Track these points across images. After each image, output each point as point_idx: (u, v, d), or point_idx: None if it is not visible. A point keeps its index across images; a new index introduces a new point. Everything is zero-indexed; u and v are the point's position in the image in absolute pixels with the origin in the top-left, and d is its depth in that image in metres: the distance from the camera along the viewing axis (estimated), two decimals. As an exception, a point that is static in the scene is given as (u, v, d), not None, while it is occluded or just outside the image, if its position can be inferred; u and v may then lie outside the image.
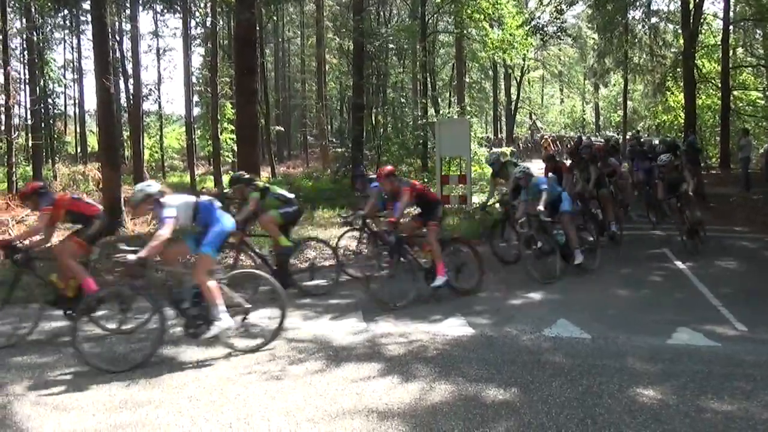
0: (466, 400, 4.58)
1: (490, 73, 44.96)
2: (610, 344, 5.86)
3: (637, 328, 6.33)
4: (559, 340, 6.00)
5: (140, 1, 21.27)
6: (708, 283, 8.30)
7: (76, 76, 39.43)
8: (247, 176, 8.51)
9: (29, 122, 27.69)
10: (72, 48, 39.93)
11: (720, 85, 25.56)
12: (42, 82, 30.57)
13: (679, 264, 9.54)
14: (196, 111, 33.29)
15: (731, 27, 26.77)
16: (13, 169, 21.26)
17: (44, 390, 4.95)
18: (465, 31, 26.24)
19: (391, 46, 26.48)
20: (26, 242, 6.98)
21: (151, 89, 35.20)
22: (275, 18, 34.21)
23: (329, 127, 38.27)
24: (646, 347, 5.73)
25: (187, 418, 4.38)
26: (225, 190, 14.46)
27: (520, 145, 37.56)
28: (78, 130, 40.52)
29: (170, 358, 5.63)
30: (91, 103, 43.40)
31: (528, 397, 4.61)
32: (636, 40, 32.15)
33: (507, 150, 33.44)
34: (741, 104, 28.08)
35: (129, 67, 25.03)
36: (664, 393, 4.66)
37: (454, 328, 6.47)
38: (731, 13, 26.83)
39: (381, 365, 5.38)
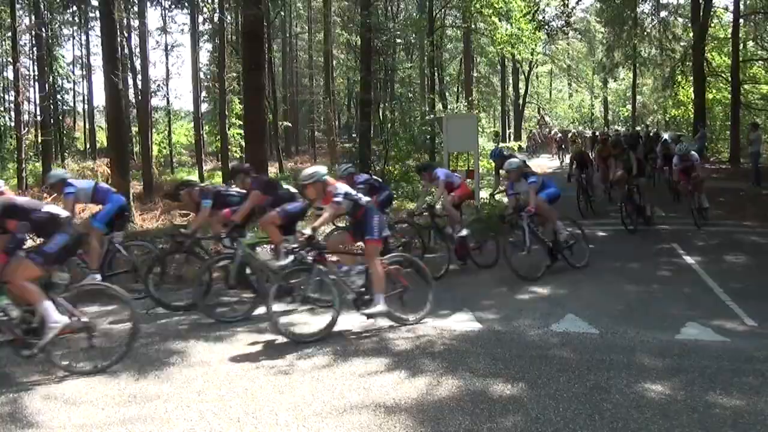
0: (473, 395, 4.58)
1: (498, 67, 44.82)
2: (618, 339, 5.84)
3: (645, 323, 6.31)
4: (567, 335, 5.98)
5: (148, -3, 21.34)
6: (717, 277, 8.26)
7: (84, 73, 39.69)
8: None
9: (38, 118, 27.89)
10: (81, 44, 40.19)
11: (730, 79, 25.38)
12: (51, 79, 30.73)
13: (688, 259, 9.49)
14: (204, 107, 33.39)
15: (741, 20, 26.56)
16: (23, 165, 21.41)
17: (54, 384, 4.99)
18: (473, 26, 26.17)
19: (398, 41, 26.44)
20: None
21: (159, 85, 35.35)
22: (283, 13, 34.23)
23: (337, 122, 38.30)
24: (654, 342, 5.71)
25: (196, 412, 4.41)
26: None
27: (537, 140, 37.06)
28: (87, 126, 40.72)
29: (179, 353, 5.66)
30: (99, 99, 43.50)
31: (535, 392, 4.60)
32: (645, 33, 31.98)
33: (515, 145, 33.40)
34: (752, 98, 27.87)
35: (137, 63, 25.12)
36: (673, 388, 4.64)
37: (462, 323, 6.47)
38: (741, 6, 26.61)
39: (388, 360, 5.39)
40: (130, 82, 25.56)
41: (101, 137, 37.42)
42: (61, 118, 34.84)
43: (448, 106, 25.86)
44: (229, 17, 28.29)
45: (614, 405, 4.35)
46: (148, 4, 23.86)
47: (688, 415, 4.18)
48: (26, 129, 24.07)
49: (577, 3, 35.70)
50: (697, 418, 4.14)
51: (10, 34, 20.62)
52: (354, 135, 29.33)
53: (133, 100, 28.51)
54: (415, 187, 18.12)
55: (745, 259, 9.70)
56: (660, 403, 4.39)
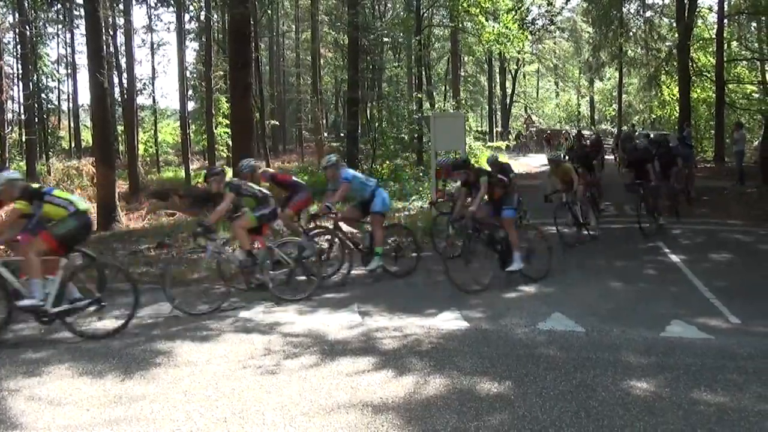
0: (460, 394, 4.59)
1: (486, 66, 44.96)
2: (604, 337, 5.87)
3: (631, 321, 6.35)
4: (554, 334, 6.01)
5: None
6: (702, 276, 8.33)
7: (69, 71, 39.32)
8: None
9: (23, 117, 27.62)
10: (65, 43, 39.79)
11: (714, 79, 25.60)
12: (35, 77, 30.44)
13: (673, 257, 9.57)
14: (190, 105, 33.30)
15: (726, 20, 26.78)
16: (7, 164, 21.21)
17: (39, 385, 4.94)
18: (460, 25, 26.22)
19: (386, 40, 26.46)
20: None
21: (145, 84, 35.11)
22: (270, 11, 34.05)
23: (324, 121, 38.22)
24: (639, 340, 5.75)
25: (182, 412, 4.38)
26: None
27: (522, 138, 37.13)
28: (72, 125, 40.38)
29: (165, 353, 5.62)
30: (84, 97, 43.34)
31: (522, 391, 4.62)
32: (631, 33, 32.18)
33: (502, 144, 33.49)
34: (736, 97, 28.13)
35: (123, 61, 24.98)
36: (658, 386, 4.68)
37: (449, 321, 6.48)
38: (726, 7, 26.84)
39: (376, 359, 5.38)
40: (116, 80, 25.44)
41: (86, 136, 37.16)
42: (45, 116, 34.49)
43: (436, 105, 25.89)
44: (215, 15, 28.17)
45: (600, 403, 4.37)
46: (134, 2, 23.74)
47: (673, 412, 4.22)
48: (10, 128, 23.81)
49: (565, 2, 35.80)
50: (682, 415, 4.18)
51: (-7, 31, 20.40)
52: (342, 134, 29.29)
53: (119, 99, 28.32)
54: (404, 185, 18.12)
55: (729, 258, 9.80)
56: (645, 401, 4.42)
